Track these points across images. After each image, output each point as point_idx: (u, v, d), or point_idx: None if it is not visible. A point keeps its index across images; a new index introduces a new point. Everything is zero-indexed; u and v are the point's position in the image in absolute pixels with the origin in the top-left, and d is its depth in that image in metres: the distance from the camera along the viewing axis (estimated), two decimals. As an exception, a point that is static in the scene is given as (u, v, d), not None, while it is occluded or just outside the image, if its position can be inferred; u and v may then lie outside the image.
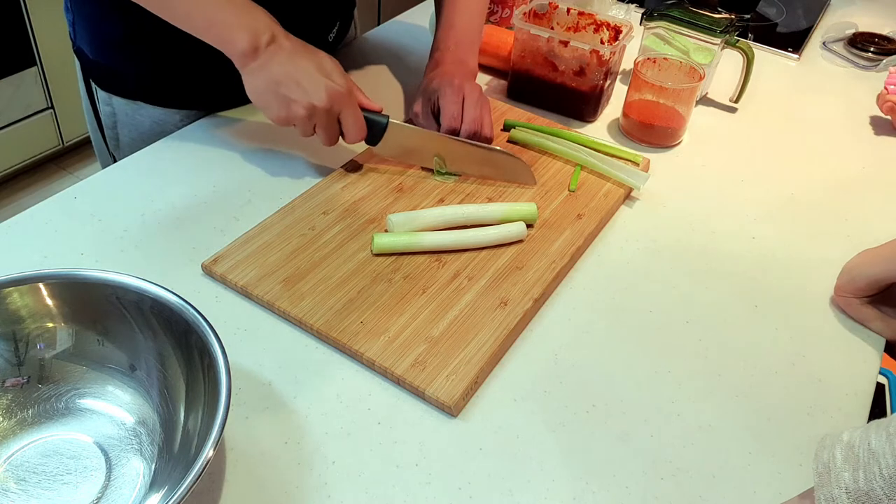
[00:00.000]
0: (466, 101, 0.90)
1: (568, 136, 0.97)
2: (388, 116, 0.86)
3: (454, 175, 0.89)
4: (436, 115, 0.92)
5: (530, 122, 1.00)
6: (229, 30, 0.77)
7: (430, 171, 0.89)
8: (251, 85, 0.80)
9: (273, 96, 0.79)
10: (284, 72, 0.78)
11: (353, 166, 0.89)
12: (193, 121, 0.97)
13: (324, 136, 0.82)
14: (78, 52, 0.97)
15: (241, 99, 0.98)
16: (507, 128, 0.98)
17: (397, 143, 0.87)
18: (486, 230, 0.79)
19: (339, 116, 0.81)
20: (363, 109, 0.83)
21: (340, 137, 0.84)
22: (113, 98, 0.96)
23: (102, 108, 0.98)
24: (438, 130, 0.91)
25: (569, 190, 0.88)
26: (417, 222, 0.79)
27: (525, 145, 0.96)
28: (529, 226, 0.82)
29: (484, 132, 0.90)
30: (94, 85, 0.97)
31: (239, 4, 0.79)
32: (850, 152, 1.06)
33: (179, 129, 0.96)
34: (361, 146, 0.90)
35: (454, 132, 0.89)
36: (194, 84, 0.96)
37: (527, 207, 0.82)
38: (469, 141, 0.89)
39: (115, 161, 1.02)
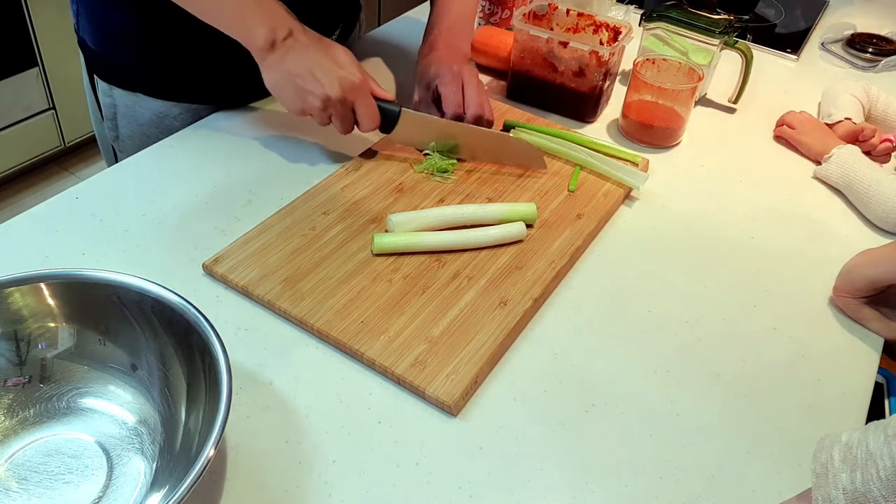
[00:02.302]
0: (466, 86, 0.91)
1: (568, 136, 0.97)
2: (400, 105, 0.87)
3: (452, 163, 0.89)
4: (436, 101, 0.93)
5: (530, 122, 1.00)
6: (249, 24, 0.80)
7: (429, 154, 0.90)
8: (269, 77, 0.82)
9: (290, 88, 0.82)
10: (300, 64, 0.81)
11: (353, 166, 0.90)
12: (193, 114, 0.97)
13: (339, 125, 0.85)
14: (81, 42, 0.97)
15: (242, 93, 0.98)
16: (506, 128, 0.99)
17: (410, 131, 0.89)
18: (487, 230, 0.80)
19: (354, 106, 0.83)
20: (377, 99, 0.85)
21: (356, 127, 0.86)
22: (114, 89, 0.96)
23: (103, 100, 0.98)
24: (440, 117, 0.92)
25: (568, 190, 0.88)
26: (417, 222, 0.79)
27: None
28: (529, 226, 0.82)
29: (486, 116, 0.91)
30: (95, 76, 0.98)
31: (259, 1, 0.80)
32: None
33: (179, 121, 0.97)
34: (360, 145, 0.91)
35: (458, 118, 0.90)
36: (195, 77, 0.96)
37: (526, 207, 0.82)
38: (481, 127, 0.90)
39: (115, 153, 1.02)
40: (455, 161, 0.90)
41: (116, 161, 1.02)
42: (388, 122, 0.87)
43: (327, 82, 0.81)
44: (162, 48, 0.93)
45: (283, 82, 0.82)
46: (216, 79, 0.96)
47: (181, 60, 0.94)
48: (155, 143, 0.93)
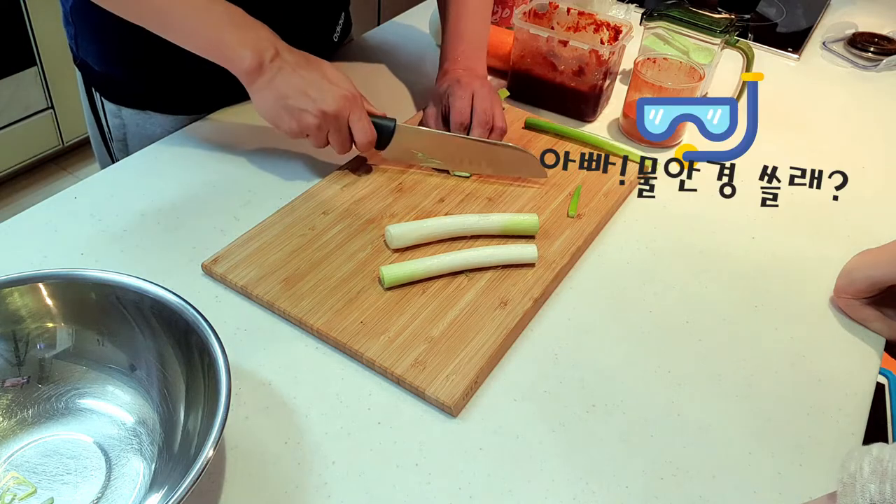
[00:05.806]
0: (476, 96, 0.90)
1: (573, 133, 0.97)
2: (395, 120, 0.86)
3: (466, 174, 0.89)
4: (446, 117, 0.92)
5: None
6: (232, 49, 0.78)
7: (444, 172, 0.90)
8: (260, 102, 0.80)
9: (283, 110, 0.80)
10: (291, 84, 0.79)
11: (353, 166, 0.89)
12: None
13: (337, 144, 0.83)
14: (82, 65, 0.96)
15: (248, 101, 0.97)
16: (528, 126, 0.99)
17: (405, 146, 0.87)
18: (498, 253, 0.77)
19: (349, 121, 0.81)
20: (370, 115, 0.84)
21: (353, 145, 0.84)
22: (122, 110, 0.95)
23: (111, 121, 0.97)
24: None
25: (567, 215, 0.86)
26: (417, 233, 0.78)
27: (540, 130, 0.99)
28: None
29: (497, 123, 0.90)
30: (99, 97, 0.97)
31: (239, 22, 0.79)
32: (850, 152, 1.06)
33: None
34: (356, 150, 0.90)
35: (464, 127, 0.89)
36: (205, 90, 0.95)
37: (527, 218, 0.81)
38: (475, 138, 0.89)
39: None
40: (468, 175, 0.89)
41: None
42: (383, 137, 0.85)
43: (321, 98, 0.78)
44: (170, 63, 0.91)
45: (275, 104, 0.79)
46: (225, 90, 0.95)
47: (190, 74, 0.93)
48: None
